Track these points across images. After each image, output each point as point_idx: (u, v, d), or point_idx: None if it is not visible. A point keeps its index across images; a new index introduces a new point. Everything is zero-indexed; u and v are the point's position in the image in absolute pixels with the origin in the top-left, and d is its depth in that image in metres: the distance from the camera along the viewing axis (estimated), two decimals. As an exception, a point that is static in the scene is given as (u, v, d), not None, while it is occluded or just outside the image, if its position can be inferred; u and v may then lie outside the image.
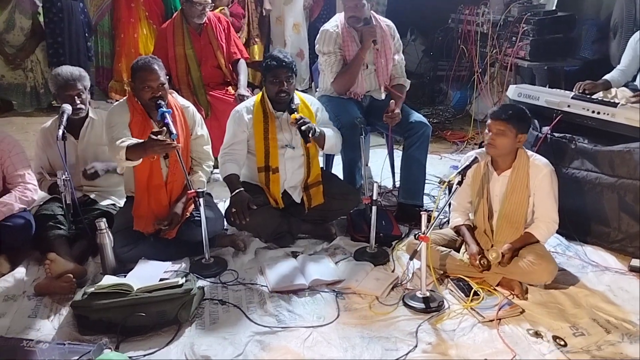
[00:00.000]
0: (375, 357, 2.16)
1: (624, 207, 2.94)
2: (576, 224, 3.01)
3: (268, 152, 3.02)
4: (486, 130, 2.70)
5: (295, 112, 2.96)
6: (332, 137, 3.10)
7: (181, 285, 2.38)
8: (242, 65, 4.06)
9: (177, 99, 3.04)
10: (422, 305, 2.48)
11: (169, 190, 2.88)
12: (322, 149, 3.10)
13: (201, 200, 2.66)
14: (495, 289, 2.62)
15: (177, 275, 2.54)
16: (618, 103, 3.08)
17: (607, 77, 3.58)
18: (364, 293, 2.61)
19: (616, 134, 3.02)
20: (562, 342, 2.25)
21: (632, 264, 2.83)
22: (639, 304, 2.51)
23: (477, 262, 2.59)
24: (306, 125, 2.89)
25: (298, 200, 3.13)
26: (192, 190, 2.67)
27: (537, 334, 2.31)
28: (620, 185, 2.95)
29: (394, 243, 3.06)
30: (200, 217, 2.68)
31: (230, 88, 3.99)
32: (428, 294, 2.52)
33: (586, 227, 3.07)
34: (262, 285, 2.68)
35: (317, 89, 3.78)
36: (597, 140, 3.10)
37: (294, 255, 2.95)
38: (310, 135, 2.88)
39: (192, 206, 2.85)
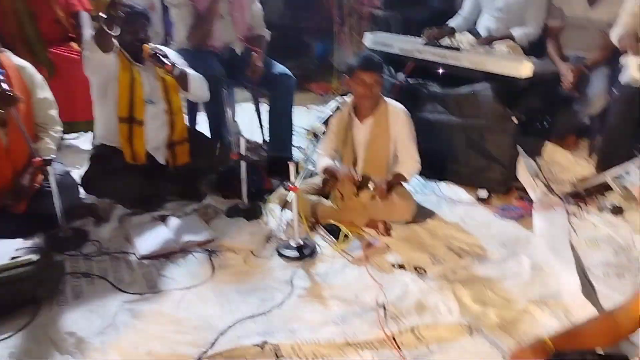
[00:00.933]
0: (252, 308, 2.19)
1: (471, 145, 3.22)
2: (432, 164, 3.23)
3: (133, 102, 2.82)
4: (354, 81, 2.74)
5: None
6: (196, 76, 2.95)
7: (35, 262, 2.18)
8: (84, 18, 3.70)
9: (11, 59, 2.70)
10: (295, 253, 2.54)
11: (12, 161, 2.59)
12: (187, 90, 2.93)
13: (49, 168, 2.43)
14: (362, 230, 2.76)
15: (31, 252, 2.33)
16: (461, 48, 3.32)
17: (451, 22, 3.82)
18: (238, 248, 2.61)
19: (464, 78, 3.26)
20: (423, 271, 2.45)
21: (479, 194, 3.13)
22: (485, 230, 2.80)
23: (353, 177, 2.69)
24: (163, 52, 2.76)
25: (162, 162, 2.99)
26: (39, 158, 2.43)
27: (401, 267, 2.48)
28: (467, 125, 3.22)
29: (266, 197, 3.07)
30: (51, 187, 2.46)
31: (74, 44, 3.63)
32: (301, 241, 2.58)
33: (441, 166, 3.32)
34: (129, 253, 2.56)
35: (171, 42, 3.59)
36: (447, 84, 3.33)
37: (163, 218, 2.84)
38: (165, 60, 2.75)
39: (41, 176, 2.60)
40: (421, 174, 3.18)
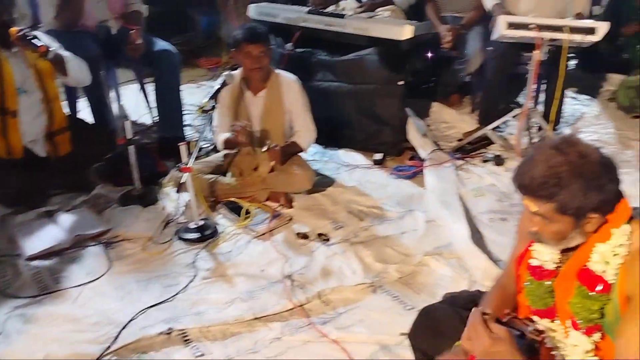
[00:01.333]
0: (155, 297, 2.12)
1: (362, 110, 3.29)
2: (329, 132, 3.27)
3: (3, 92, 2.57)
4: (241, 54, 2.68)
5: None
6: (73, 58, 2.73)
7: None
8: None
9: None
10: (196, 235, 2.49)
11: None
12: (66, 74, 2.71)
13: None
14: (264, 204, 2.75)
15: None
16: (345, 14, 3.35)
17: (335, -10, 3.84)
18: (135, 237, 2.51)
19: (350, 44, 3.30)
20: (326, 238, 2.50)
21: (374, 158, 3.23)
22: (382, 191, 2.90)
23: (245, 132, 2.63)
24: (32, 35, 2.53)
25: (43, 154, 2.77)
26: None
27: (304, 236, 2.51)
28: (357, 91, 3.28)
29: (160, 180, 2.95)
30: None
31: None
32: (201, 222, 2.53)
33: (337, 133, 3.37)
34: (15, 256, 2.37)
35: (40, 25, 3.29)
36: (335, 51, 3.36)
37: (49, 214, 2.65)
38: (36, 43, 2.53)
39: None
40: (319, 142, 3.21)
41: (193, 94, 4.10)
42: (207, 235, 2.49)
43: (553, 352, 1.37)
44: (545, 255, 1.35)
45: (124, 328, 1.95)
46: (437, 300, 1.88)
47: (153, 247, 2.45)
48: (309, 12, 3.43)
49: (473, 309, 1.26)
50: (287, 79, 2.83)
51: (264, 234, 2.53)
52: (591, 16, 3.80)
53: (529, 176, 1.20)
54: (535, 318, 1.41)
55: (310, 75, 3.37)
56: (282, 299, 2.10)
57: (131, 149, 2.69)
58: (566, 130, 3.57)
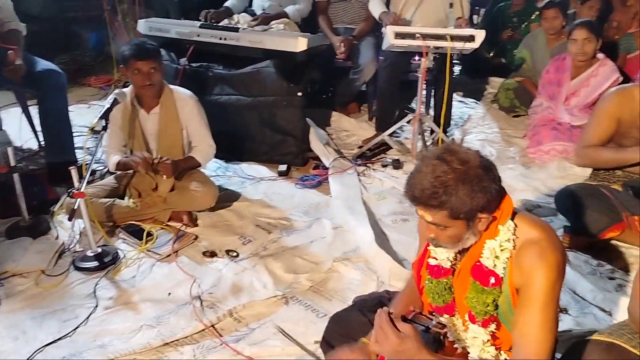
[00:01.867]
0: (52, 333, 1.97)
1: (264, 122, 3.29)
2: (231, 146, 3.23)
3: None
4: (130, 71, 2.57)
5: None
6: None
7: None
8: None
9: None
10: (95, 263, 2.35)
11: None
12: None
13: None
14: (167, 225, 2.65)
15: None
16: (239, 28, 3.34)
17: (227, 4, 3.82)
18: (26, 271, 2.32)
19: (247, 57, 3.30)
20: (235, 254, 2.45)
21: (279, 169, 3.24)
22: (288, 202, 2.91)
23: (146, 164, 2.54)
24: None
25: None
26: None
27: (212, 254, 2.45)
28: (257, 103, 3.28)
29: (51, 208, 2.76)
30: None
31: None
32: (99, 250, 2.39)
33: (239, 147, 3.35)
34: None
35: None
36: (231, 65, 3.33)
37: None
38: None
39: None
40: (221, 157, 3.16)
41: (84, 115, 3.89)
42: (106, 262, 2.36)
43: (455, 345, 1.44)
44: (441, 255, 1.42)
45: (18, 372, 1.79)
46: (348, 304, 1.91)
47: (47, 280, 2.28)
48: (202, 26, 3.39)
49: (378, 311, 1.29)
50: (182, 95, 2.75)
51: (168, 256, 2.44)
52: (472, 23, 4.09)
53: (419, 188, 1.25)
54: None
55: (207, 89, 3.33)
56: (192, 321, 2.03)
57: (16, 177, 2.49)
58: (456, 133, 3.80)
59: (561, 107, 3.57)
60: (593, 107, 3.49)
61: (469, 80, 4.79)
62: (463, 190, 1.22)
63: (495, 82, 4.68)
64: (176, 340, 1.95)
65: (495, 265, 1.32)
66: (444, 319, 1.44)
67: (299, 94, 3.22)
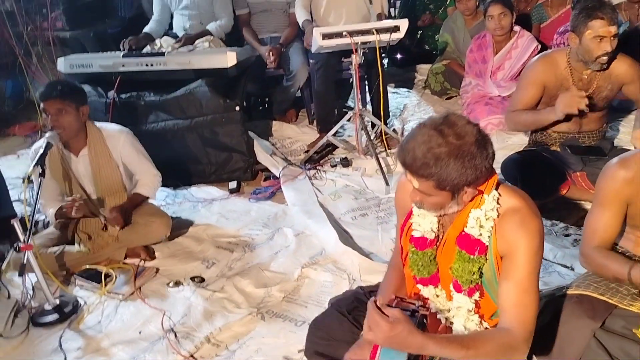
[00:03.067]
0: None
1: (206, 142, 3.23)
2: (176, 172, 3.15)
3: None
4: (45, 115, 2.46)
5: None
6: None
7: None
8: None
9: None
10: (56, 316, 2.22)
11: None
12: None
13: None
14: (124, 263, 2.55)
15: None
16: (165, 52, 3.28)
17: (146, 29, 3.74)
18: (-20, 339, 2.16)
19: (178, 80, 3.24)
20: (200, 279, 2.39)
21: (230, 187, 3.19)
22: (246, 217, 2.87)
23: (78, 207, 2.42)
24: None
25: None
26: None
27: (177, 283, 2.38)
28: (196, 124, 3.22)
29: (-4, 268, 2.60)
30: None
31: None
32: (57, 301, 2.27)
33: (185, 171, 3.27)
34: None
35: None
36: (162, 90, 3.26)
37: None
38: None
39: None
40: (168, 184, 3.08)
41: (14, 167, 3.69)
42: (67, 312, 2.24)
43: (438, 317, 1.47)
44: (425, 226, 1.44)
45: None
46: (324, 307, 1.91)
47: (6, 343, 2.13)
48: (125, 56, 3.30)
49: (369, 301, 1.29)
50: (111, 132, 2.61)
51: (132, 294, 2.35)
52: (390, 17, 4.18)
53: (411, 156, 1.26)
54: (420, 287, 1.50)
55: (142, 119, 3.24)
56: (170, 355, 1.97)
57: (-49, 242, 2.33)
58: (396, 122, 3.88)
59: (489, 82, 3.72)
60: (519, 78, 3.67)
61: (398, 71, 4.90)
62: (454, 166, 1.24)
63: (423, 69, 4.81)
64: (157, 378, 1.88)
65: (480, 234, 1.35)
66: (426, 293, 1.47)
67: (237, 108, 3.18)
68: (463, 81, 3.91)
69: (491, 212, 1.35)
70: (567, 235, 2.42)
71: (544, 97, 2.55)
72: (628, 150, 2.54)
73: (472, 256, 1.36)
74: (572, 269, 2.18)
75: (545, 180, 2.49)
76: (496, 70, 3.72)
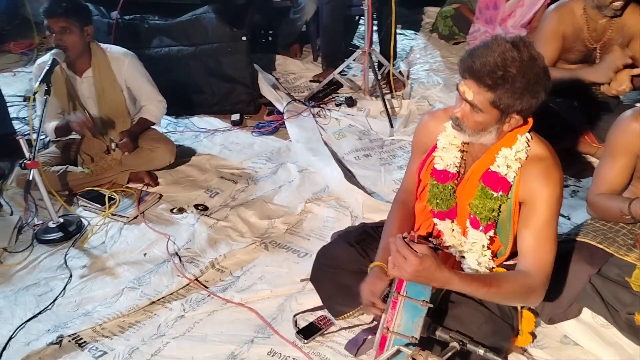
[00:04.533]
0: (30, 309, 1.89)
1: (210, 71, 3.18)
2: (178, 100, 3.09)
3: None
4: (48, 32, 2.37)
5: None
6: None
7: None
8: None
9: None
10: (60, 234, 2.26)
11: None
12: None
13: None
14: (128, 187, 2.56)
15: None
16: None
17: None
18: (-15, 252, 2.19)
19: (183, 4, 3.13)
20: (204, 207, 2.42)
21: (232, 119, 3.16)
22: (249, 150, 2.87)
23: (85, 126, 2.39)
24: None
25: None
26: None
27: (180, 210, 2.41)
28: (201, 52, 3.15)
29: (-2, 184, 2.60)
30: None
31: None
32: (61, 220, 2.29)
33: (188, 100, 3.22)
34: None
35: None
36: (167, 14, 3.16)
37: None
38: None
39: None
40: (169, 113, 3.03)
41: (11, 84, 3.62)
42: (71, 231, 2.27)
43: (451, 250, 1.52)
44: (448, 160, 1.46)
45: (4, 350, 1.72)
46: (327, 241, 1.96)
47: (11, 258, 2.17)
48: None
49: (391, 238, 1.32)
50: (115, 55, 2.54)
51: (135, 217, 2.38)
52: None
53: (482, 61, 1.25)
54: (436, 220, 1.54)
55: (145, 42, 3.16)
56: (175, 277, 2.01)
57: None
58: (402, 65, 3.82)
59: (498, 30, 3.66)
60: (529, 27, 3.62)
61: (406, 11, 4.77)
62: (519, 84, 1.24)
63: (431, 12, 4.70)
64: (162, 297, 1.93)
65: (507, 173, 1.38)
66: (445, 224, 1.51)
67: (244, 38, 3.11)
68: (472, 27, 3.85)
69: (520, 154, 1.37)
70: (566, 186, 2.46)
71: (561, 51, 2.52)
72: (634, 106, 2.56)
73: (495, 193, 1.39)
74: (569, 219, 2.24)
75: (550, 130, 2.50)
76: (507, 17, 3.65)
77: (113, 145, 2.52)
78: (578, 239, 1.76)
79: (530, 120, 1.38)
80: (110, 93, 2.55)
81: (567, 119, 2.55)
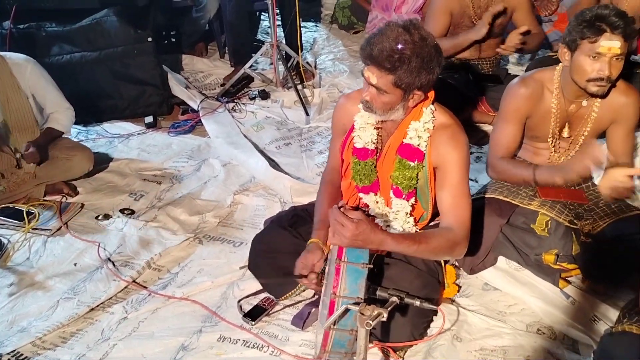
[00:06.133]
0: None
1: (117, 75, 3.11)
2: (86, 108, 2.98)
3: None
4: None
5: None
6: None
7: None
8: None
9: None
10: (-22, 257, 2.14)
11: None
12: None
13: None
14: (45, 200, 2.47)
15: None
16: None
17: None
18: None
19: (84, 10, 3.05)
20: (130, 211, 2.39)
21: (146, 122, 3.12)
22: (168, 151, 2.86)
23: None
24: None
25: None
26: None
27: (106, 216, 2.37)
28: (105, 57, 3.08)
29: None
30: None
31: None
32: (-23, 242, 2.17)
33: (96, 107, 3.13)
34: None
35: None
36: (65, 20, 3.06)
37: None
38: None
39: None
40: (78, 122, 2.94)
41: None
42: (-8, 252, 2.16)
43: (376, 221, 1.65)
44: (366, 138, 1.58)
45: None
46: (260, 229, 2.03)
47: None
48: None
49: (329, 209, 1.42)
50: (16, 61, 2.45)
51: (59, 229, 2.30)
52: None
53: (379, 48, 1.37)
54: (361, 195, 1.66)
55: (44, 51, 3.04)
56: (112, 282, 1.99)
57: None
58: (308, 56, 3.95)
59: (394, 17, 3.88)
60: (421, 12, 3.87)
61: (305, 5, 4.88)
62: (415, 63, 1.36)
63: (329, 4, 4.86)
64: (102, 303, 1.91)
65: (419, 144, 1.52)
66: (369, 197, 1.63)
67: (149, 39, 3.08)
68: (370, 15, 4.04)
69: (428, 124, 1.52)
70: (470, 153, 2.70)
71: (450, 27, 2.76)
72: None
73: (412, 163, 1.53)
74: (476, 181, 2.47)
75: (450, 104, 2.73)
76: (400, 4, 3.88)
77: (18, 155, 2.42)
78: (487, 195, 1.97)
79: (432, 94, 1.53)
80: (16, 101, 2.44)
81: (464, 92, 2.80)
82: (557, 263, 1.85)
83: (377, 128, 1.60)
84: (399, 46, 1.36)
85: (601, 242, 1.83)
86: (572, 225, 1.85)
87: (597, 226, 1.87)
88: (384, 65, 1.38)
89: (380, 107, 1.48)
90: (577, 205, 1.93)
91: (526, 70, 3.24)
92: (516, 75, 2.94)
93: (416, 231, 1.66)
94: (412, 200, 1.59)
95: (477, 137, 2.81)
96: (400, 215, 1.61)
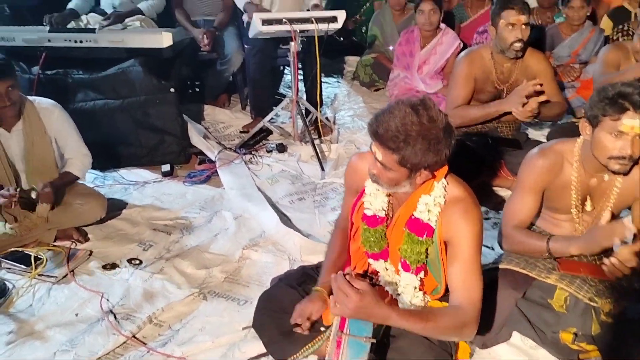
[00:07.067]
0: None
1: (138, 124, 3.16)
2: (106, 154, 3.03)
3: None
4: None
5: None
6: None
7: None
8: None
9: None
10: (-19, 302, 2.12)
11: None
12: None
13: None
14: (54, 246, 2.46)
15: None
16: (95, 29, 3.16)
17: (70, 5, 3.54)
18: None
19: (108, 59, 3.13)
20: (137, 261, 2.36)
21: (163, 170, 3.14)
22: (181, 200, 2.86)
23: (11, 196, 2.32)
24: None
25: None
26: None
27: (113, 266, 2.34)
28: (128, 105, 3.14)
29: None
30: None
31: None
32: (-18, 286, 2.16)
33: (115, 153, 3.17)
34: None
35: None
36: (91, 68, 3.14)
37: None
38: None
39: None
40: (96, 167, 2.98)
41: None
42: (-5, 296, 2.14)
43: (386, 289, 1.58)
44: (376, 205, 1.54)
45: None
46: (266, 287, 1.97)
47: None
48: (52, 31, 3.14)
49: (333, 275, 1.37)
50: (44, 105, 2.52)
51: (65, 277, 2.28)
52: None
53: (384, 127, 1.34)
54: (371, 261, 1.61)
55: (69, 97, 3.11)
56: (111, 336, 1.94)
57: None
58: (328, 111, 3.98)
59: (416, 76, 3.91)
60: (442, 73, 3.90)
61: (328, 61, 5.00)
62: (420, 145, 1.33)
63: (351, 61, 4.95)
64: (98, 358, 1.85)
65: (429, 218, 1.46)
66: (379, 264, 1.57)
67: (172, 90, 3.14)
68: (391, 73, 4.08)
69: (439, 199, 1.47)
70: (487, 218, 2.64)
71: (473, 92, 2.75)
72: (541, 142, 2.82)
73: (420, 238, 1.48)
74: (492, 249, 2.39)
75: (468, 166, 2.69)
76: (422, 64, 3.91)
77: (34, 194, 2.42)
78: (501, 266, 1.89)
79: (443, 170, 1.48)
80: (41, 146, 2.48)
81: (483, 155, 2.76)
82: (575, 343, 1.75)
83: (389, 195, 1.57)
84: (405, 127, 1.34)
85: (623, 323, 1.72)
86: (592, 303, 1.75)
87: (619, 305, 1.77)
88: (388, 144, 1.36)
89: (386, 182, 1.45)
90: (598, 282, 1.84)
91: (547, 136, 3.22)
92: (536, 141, 2.92)
93: (425, 305, 1.59)
94: (422, 274, 1.53)
95: (494, 202, 2.74)
96: (408, 290, 1.55)
